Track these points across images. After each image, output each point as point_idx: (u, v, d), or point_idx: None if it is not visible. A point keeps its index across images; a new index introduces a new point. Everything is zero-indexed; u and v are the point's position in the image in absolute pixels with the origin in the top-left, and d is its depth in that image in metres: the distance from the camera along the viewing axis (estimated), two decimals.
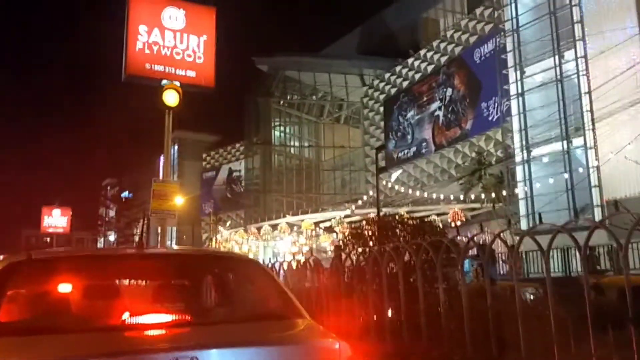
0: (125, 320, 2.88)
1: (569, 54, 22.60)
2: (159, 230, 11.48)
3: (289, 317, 3.09)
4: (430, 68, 36.92)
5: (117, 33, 11.06)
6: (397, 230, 7.21)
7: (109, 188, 76.60)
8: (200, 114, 42.72)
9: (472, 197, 26.97)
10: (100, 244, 67.79)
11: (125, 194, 67.77)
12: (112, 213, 66.26)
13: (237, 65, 54.86)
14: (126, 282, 3.67)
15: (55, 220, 47.62)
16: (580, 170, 21.75)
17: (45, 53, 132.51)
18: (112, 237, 64.42)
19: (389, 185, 36.52)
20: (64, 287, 3.38)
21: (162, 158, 16.40)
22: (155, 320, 2.88)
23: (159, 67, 10.98)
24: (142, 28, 10.94)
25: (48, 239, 56.41)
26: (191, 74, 11.28)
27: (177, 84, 10.65)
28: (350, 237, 8.16)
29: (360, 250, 6.74)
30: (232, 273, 3.72)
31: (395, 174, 37.78)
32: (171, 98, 10.40)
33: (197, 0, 12.03)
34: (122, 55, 10.87)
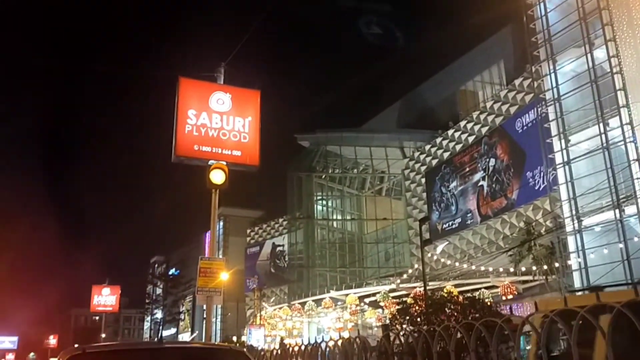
0: None
1: (613, 122, 22.25)
2: (204, 308, 11.47)
3: None
4: (470, 139, 36.95)
5: (165, 115, 11.67)
6: (447, 309, 6.97)
7: (156, 265, 77.81)
8: (244, 191, 43.63)
9: (523, 269, 26.00)
10: (147, 322, 67.96)
11: (172, 271, 68.57)
12: (159, 290, 66.79)
13: (280, 142, 56.36)
14: None
15: (105, 299, 48.19)
16: (636, 239, 20.81)
17: (96, 136, 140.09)
18: (159, 315, 64.59)
19: (435, 257, 35.71)
20: None
21: (208, 234, 16.71)
22: None
23: (206, 148, 11.47)
24: (191, 112, 11.55)
25: (97, 318, 56.90)
26: (237, 153, 11.70)
27: (224, 163, 11.05)
28: (397, 314, 7.93)
29: (409, 329, 6.54)
30: None
31: (441, 246, 37.01)
32: (218, 177, 10.77)
33: (242, 82, 12.67)
34: (170, 136, 11.42)
